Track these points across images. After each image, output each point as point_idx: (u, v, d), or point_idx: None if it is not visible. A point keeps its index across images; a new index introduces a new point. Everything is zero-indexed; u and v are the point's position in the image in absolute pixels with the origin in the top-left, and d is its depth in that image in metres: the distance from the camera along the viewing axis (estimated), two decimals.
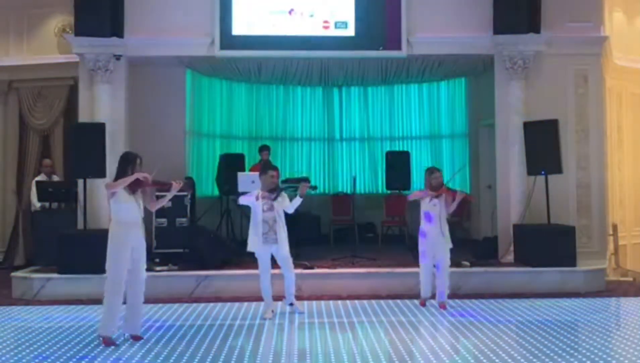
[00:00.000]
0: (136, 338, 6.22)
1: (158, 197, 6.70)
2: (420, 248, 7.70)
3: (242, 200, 7.46)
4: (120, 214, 6.09)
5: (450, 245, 7.65)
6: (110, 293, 6.05)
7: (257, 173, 9.89)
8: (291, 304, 7.42)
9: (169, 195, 6.51)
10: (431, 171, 7.85)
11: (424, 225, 7.67)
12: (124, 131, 9.63)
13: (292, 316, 7.29)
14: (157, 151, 9.71)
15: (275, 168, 7.52)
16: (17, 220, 11.35)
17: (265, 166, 7.60)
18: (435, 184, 7.64)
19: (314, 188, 7.60)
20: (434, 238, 7.60)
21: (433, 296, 7.74)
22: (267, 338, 6.43)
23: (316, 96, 13.35)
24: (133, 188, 6.13)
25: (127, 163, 6.22)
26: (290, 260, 7.34)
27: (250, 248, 7.27)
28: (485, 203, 11.47)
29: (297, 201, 7.30)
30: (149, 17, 9.74)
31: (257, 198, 7.21)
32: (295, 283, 7.49)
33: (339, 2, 10.06)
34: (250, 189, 9.60)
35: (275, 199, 7.18)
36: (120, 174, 6.18)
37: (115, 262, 6.04)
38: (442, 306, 7.63)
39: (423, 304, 7.72)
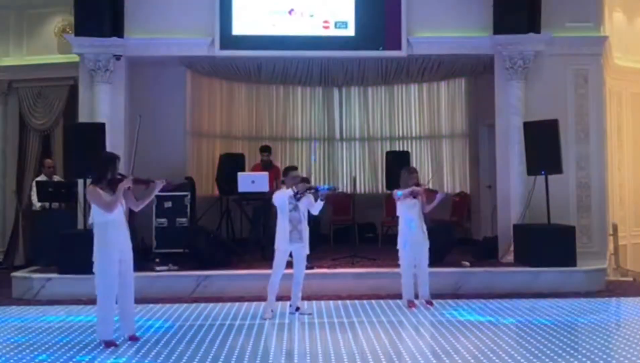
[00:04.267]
0: (133, 338, 6.21)
1: (137, 198, 6.57)
2: (403, 248, 7.71)
3: (276, 200, 7.34)
4: (107, 215, 6.03)
5: (428, 243, 7.72)
6: (103, 296, 6.01)
7: (257, 173, 9.97)
8: (297, 309, 7.43)
9: (152, 195, 6.45)
10: (410, 171, 7.96)
11: (404, 225, 7.71)
12: (123, 131, 9.63)
13: (292, 316, 7.29)
14: (157, 151, 9.77)
15: (294, 169, 7.58)
16: (17, 220, 11.36)
17: (287, 168, 7.70)
18: (413, 185, 7.73)
19: (335, 190, 7.73)
20: (416, 238, 7.66)
21: (416, 296, 7.79)
22: (267, 338, 6.43)
23: (316, 96, 13.34)
24: (113, 187, 6.10)
25: (108, 163, 6.18)
26: (305, 262, 7.44)
27: (276, 244, 7.31)
28: (485, 203, 11.47)
29: (320, 204, 7.39)
30: (149, 17, 9.75)
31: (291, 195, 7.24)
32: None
33: (339, 2, 10.06)
34: (251, 189, 9.65)
35: (299, 199, 7.25)
36: (101, 175, 6.13)
37: (104, 265, 5.99)
38: (430, 303, 7.69)
39: (414, 306, 7.66)
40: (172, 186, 8.86)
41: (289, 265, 7.42)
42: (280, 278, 7.31)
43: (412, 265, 7.71)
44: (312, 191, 7.39)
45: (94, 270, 6.05)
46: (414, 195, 7.69)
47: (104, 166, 6.17)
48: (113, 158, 6.27)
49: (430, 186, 8.50)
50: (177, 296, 8.28)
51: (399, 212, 7.81)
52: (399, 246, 7.75)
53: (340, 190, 13.13)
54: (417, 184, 7.77)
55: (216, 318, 7.25)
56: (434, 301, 7.77)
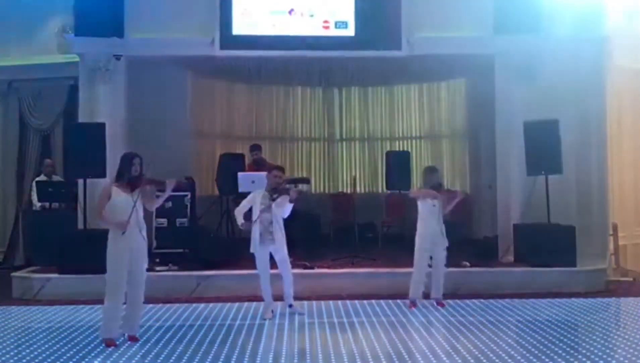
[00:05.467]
0: (133, 338, 6.21)
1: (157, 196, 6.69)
2: (420, 247, 7.72)
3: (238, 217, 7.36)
4: (117, 215, 6.08)
5: (447, 244, 7.73)
6: (111, 295, 6.04)
7: (257, 173, 9.94)
8: (290, 305, 7.42)
9: (166, 194, 6.49)
10: (432, 170, 7.93)
11: (423, 225, 7.71)
12: (124, 131, 9.63)
13: (292, 316, 7.29)
14: (157, 151, 9.70)
15: (280, 168, 7.54)
16: (17, 220, 11.34)
17: (272, 166, 7.67)
18: (435, 184, 7.72)
19: (300, 192, 7.63)
20: (434, 238, 7.66)
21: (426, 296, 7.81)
22: (267, 338, 6.43)
23: (316, 96, 13.34)
24: (132, 187, 6.15)
25: (124, 163, 6.24)
26: (288, 261, 7.35)
27: (251, 248, 7.27)
28: (485, 203, 11.46)
29: (289, 206, 7.23)
30: (149, 17, 9.73)
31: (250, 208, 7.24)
32: (294, 284, 7.44)
33: (339, 2, 10.06)
34: (251, 189, 9.64)
35: (274, 200, 7.19)
36: (119, 174, 6.21)
37: (114, 264, 6.03)
38: (441, 304, 7.69)
39: (414, 306, 7.68)
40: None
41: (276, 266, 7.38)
42: (269, 281, 7.28)
43: (426, 265, 7.71)
44: (280, 192, 7.24)
45: (106, 268, 6.08)
46: (434, 196, 7.70)
47: (123, 164, 6.23)
48: (131, 157, 6.28)
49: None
50: (177, 296, 8.28)
51: (419, 211, 7.79)
52: (416, 246, 7.74)
53: (340, 190, 13.16)
54: (439, 184, 7.80)
55: (216, 318, 7.25)
56: (445, 302, 7.75)
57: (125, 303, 6.15)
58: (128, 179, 6.17)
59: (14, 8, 11.36)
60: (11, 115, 11.55)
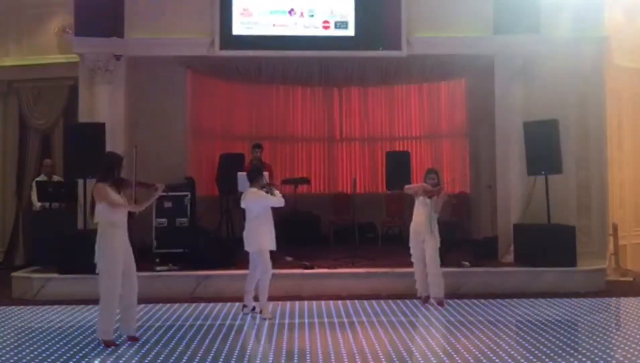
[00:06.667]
0: (132, 339, 6.22)
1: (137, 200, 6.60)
2: (411, 242, 7.89)
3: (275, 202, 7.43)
4: (114, 215, 6.07)
5: (438, 244, 7.80)
6: (107, 296, 6.04)
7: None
8: (245, 306, 7.49)
9: (152, 199, 6.47)
10: (427, 172, 8.14)
11: (415, 223, 7.86)
12: (124, 131, 9.63)
13: (293, 316, 7.30)
14: (157, 151, 9.75)
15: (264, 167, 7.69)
16: (17, 220, 11.34)
17: (258, 169, 7.74)
18: (430, 185, 7.85)
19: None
20: (422, 232, 7.76)
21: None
22: (267, 338, 6.43)
23: (316, 96, 13.33)
24: (119, 188, 6.15)
25: (114, 163, 6.24)
26: None
27: (269, 246, 7.32)
28: (485, 203, 11.46)
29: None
30: (149, 17, 9.74)
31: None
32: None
33: (339, 2, 10.06)
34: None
35: (269, 193, 7.37)
36: (106, 175, 6.17)
37: (110, 265, 6.02)
38: (441, 304, 7.70)
39: (425, 301, 7.80)
40: (171, 188, 8.87)
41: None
42: None
43: (419, 261, 7.82)
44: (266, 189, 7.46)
45: (98, 270, 6.07)
46: (429, 195, 7.78)
47: (110, 165, 6.22)
48: (119, 159, 6.31)
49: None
50: (177, 296, 8.28)
51: (414, 209, 7.97)
52: (411, 242, 7.94)
53: (340, 190, 13.16)
54: (434, 186, 7.89)
55: (216, 318, 7.26)
56: (445, 302, 7.75)
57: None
58: (114, 181, 6.16)
59: (14, 8, 11.36)
60: (11, 115, 11.55)
